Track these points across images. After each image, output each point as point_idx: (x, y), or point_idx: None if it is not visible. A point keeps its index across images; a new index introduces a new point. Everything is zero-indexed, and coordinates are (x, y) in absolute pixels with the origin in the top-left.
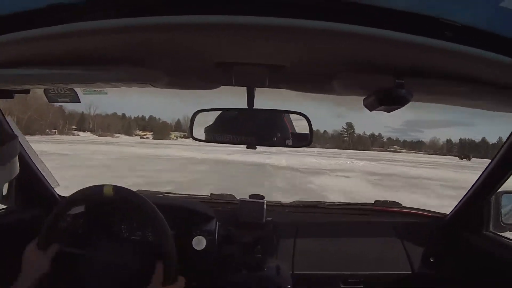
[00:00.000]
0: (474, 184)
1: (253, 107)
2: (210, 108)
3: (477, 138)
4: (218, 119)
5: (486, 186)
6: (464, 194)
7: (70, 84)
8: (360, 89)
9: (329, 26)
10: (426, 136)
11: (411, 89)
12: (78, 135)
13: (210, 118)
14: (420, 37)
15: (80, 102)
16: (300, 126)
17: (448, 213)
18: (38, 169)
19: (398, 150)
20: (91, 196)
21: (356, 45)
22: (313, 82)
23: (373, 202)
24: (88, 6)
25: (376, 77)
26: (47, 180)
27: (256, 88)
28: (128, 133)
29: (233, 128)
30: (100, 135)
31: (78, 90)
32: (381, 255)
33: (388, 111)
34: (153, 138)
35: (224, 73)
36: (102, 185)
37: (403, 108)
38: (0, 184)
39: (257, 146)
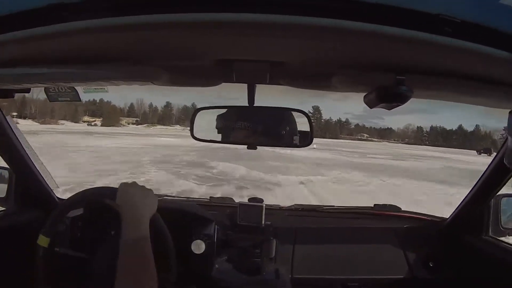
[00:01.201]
0: (473, 187)
1: (254, 105)
2: (210, 106)
3: (449, 126)
4: (218, 118)
5: (485, 190)
6: (463, 197)
7: (70, 82)
8: (361, 86)
9: (329, 23)
10: (386, 123)
11: (411, 86)
12: (17, 123)
13: (210, 117)
14: (421, 33)
15: (80, 100)
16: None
17: (447, 217)
18: (38, 171)
19: (369, 138)
20: (90, 199)
21: (357, 42)
22: (314, 79)
23: (373, 205)
24: (88, 5)
25: (377, 74)
26: (46, 182)
27: (251, 85)
28: (75, 119)
29: (235, 127)
30: (42, 122)
31: (79, 89)
32: (380, 259)
33: (389, 108)
34: (101, 125)
35: (225, 70)
36: (101, 187)
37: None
38: None
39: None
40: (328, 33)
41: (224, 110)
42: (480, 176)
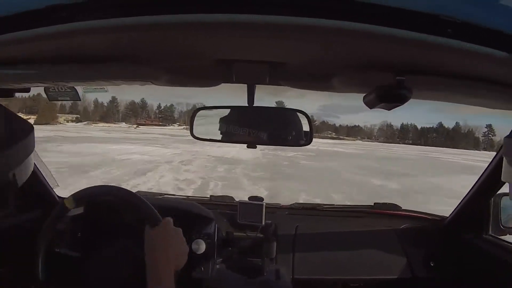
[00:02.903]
0: (473, 186)
1: (253, 105)
2: (210, 106)
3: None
4: (218, 117)
5: (485, 188)
6: (463, 196)
7: (70, 82)
8: (360, 86)
9: (329, 23)
10: (342, 121)
11: (411, 87)
12: None
13: (210, 117)
14: (421, 34)
15: (80, 100)
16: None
17: (447, 216)
18: (38, 169)
19: (341, 137)
20: (91, 198)
21: (357, 42)
22: (314, 79)
23: (373, 204)
24: (88, 6)
25: (376, 75)
26: (46, 181)
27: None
28: None
29: (234, 126)
30: None
31: (79, 88)
32: (381, 259)
33: (388, 109)
34: (34, 123)
35: (224, 71)
36: (102, 186)
37: (318, 92)
38: (20, 181)
39: (257, 146)
40: (328, 33)
41: (224, 110)
42: (481, 174)
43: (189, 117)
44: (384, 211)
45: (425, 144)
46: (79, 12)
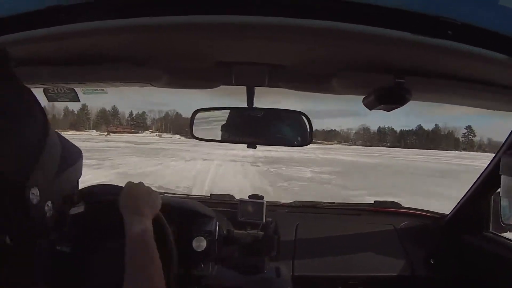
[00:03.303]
0: (473, 184)
1: (253, 106)
2: (209, 107)
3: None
4: (218, 118)
5: (485, 186)
6: (464, 194)
7: (70, 83)
8: (360, 88)
9: (328, 25)
10: (317, 125)
11: (411, 88)
12: None
13: (210, 117)
14: (420, 36)
15: (79, 101)
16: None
17: (447, 213)
18: None
19: (319, 141)
20: (91, 197)
21: (356, 44)
22: (313, 81)
23: (373, 202)
24: (88, 7)
25: (376, 76)
26: None
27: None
28: None
29: (234, 127)
30: None
31: (78, 90)
32: (381, 256)
33: (388, 110)
34: None
35: (224, 73)
36: (105, 185)
37: (290, 97)
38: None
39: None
40: (327, 35)
41: (223, 111)
42: (481, 172)
43: (162, 125)
44: (384, 209)
45: (405, 146)
46: (78, 13)
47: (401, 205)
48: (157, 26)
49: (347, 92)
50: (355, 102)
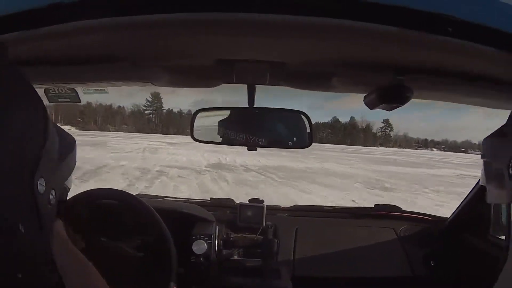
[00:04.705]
0: (473, 187)
1: (254, 106)
2: (210, 107)
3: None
4: (218, 119)
5: (486, 189)
6: (464, 197)
7: (71, 83)
8: (361, 86)
9: (329, 22)
10: None
11: (411, 87)
12: None
13: (210, 118)
14: (421, 33)
15: (80, 102)
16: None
17: (448, 217)
18: None
19: None
20: (90, 200)
21: (357, 41)
22: (314, 79)
23: (373, 206)
24: (88, 5)
25: (377, 75)
26: None
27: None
28: None
29: (235, 128)
30: None
31: (79, 90)
32: (382, 259)
33: (389, 109)
34: None
35: (224, 71)
36: (103, 189)
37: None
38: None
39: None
40: (328, 32)
41: (224, 111)
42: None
43: (51, 113)
44: (385, 212)
45: (320, 141)
46: (78, 12)
47: (401, 208)
48: (158, 24)
49: (348, 90)
50: None
